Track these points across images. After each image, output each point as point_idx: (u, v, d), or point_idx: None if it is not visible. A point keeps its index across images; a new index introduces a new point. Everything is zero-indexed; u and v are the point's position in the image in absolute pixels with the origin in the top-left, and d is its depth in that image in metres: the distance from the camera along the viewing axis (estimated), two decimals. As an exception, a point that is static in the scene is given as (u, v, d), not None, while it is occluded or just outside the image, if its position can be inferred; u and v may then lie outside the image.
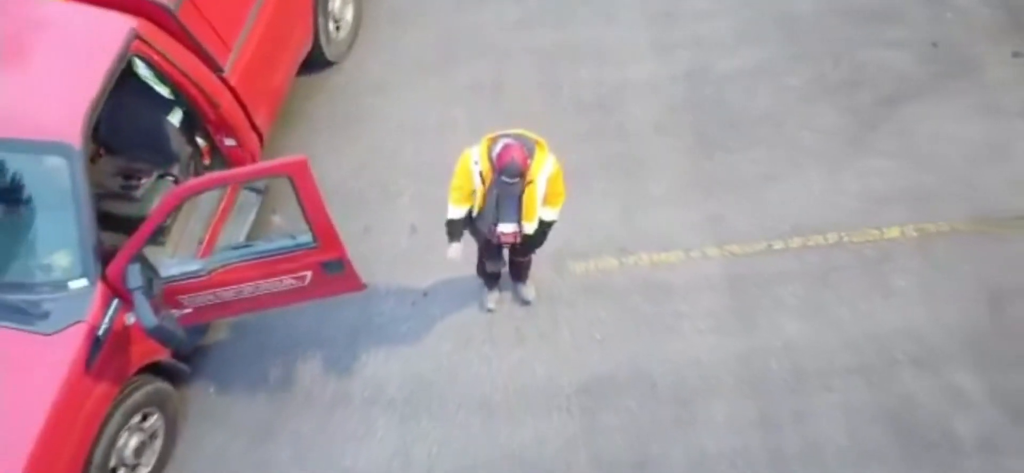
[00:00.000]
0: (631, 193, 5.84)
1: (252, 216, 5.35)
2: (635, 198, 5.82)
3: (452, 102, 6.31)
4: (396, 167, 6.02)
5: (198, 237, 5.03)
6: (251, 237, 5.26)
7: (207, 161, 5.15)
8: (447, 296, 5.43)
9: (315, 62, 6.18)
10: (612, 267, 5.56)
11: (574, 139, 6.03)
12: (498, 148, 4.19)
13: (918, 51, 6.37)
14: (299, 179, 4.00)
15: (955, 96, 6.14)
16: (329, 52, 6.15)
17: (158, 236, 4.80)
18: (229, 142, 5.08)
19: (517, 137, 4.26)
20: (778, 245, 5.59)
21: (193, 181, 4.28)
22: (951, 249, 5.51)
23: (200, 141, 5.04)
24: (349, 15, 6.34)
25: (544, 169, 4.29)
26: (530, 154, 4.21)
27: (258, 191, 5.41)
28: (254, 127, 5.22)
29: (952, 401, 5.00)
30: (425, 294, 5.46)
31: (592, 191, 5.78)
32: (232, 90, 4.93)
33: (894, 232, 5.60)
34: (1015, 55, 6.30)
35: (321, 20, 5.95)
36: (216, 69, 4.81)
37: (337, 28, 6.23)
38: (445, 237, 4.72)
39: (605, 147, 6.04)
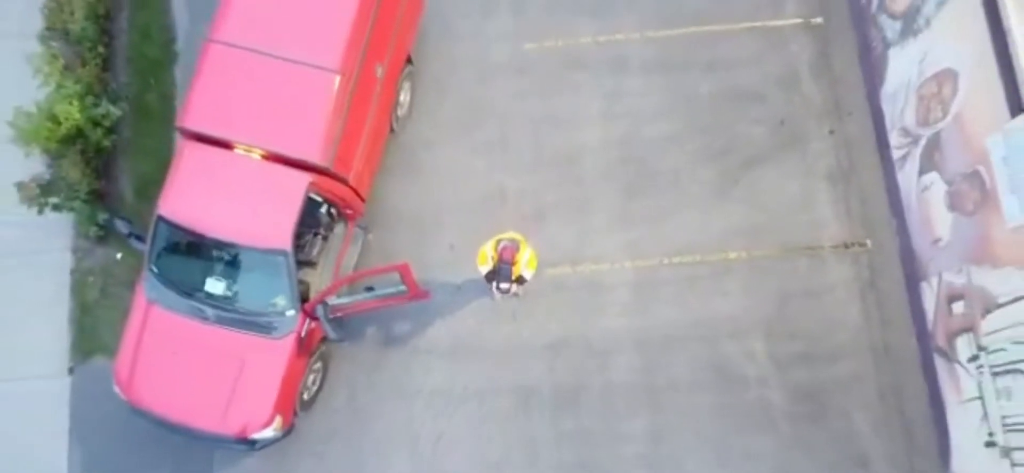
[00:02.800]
0: (582, 223, 9.68)
1: (360, 244, 9.28)
2: (584, 227, 9.67)
3: (475, 155, 9.96)
4: (440, 202, 9.80)
5: (331, 262, 8.97)
6: (361, 255, 9.24)
7: (336, 219, 8.99)
8: (472, 290, 9.42)
9: (385, 130, 9.79)
10: (568, 272, 9.53)
11: (550, 184, 9.81)
12: (500, 247, 8.08)
13: (771, 127, 9.91)
14: (403, 272, 7.94)
15: (787, 161, 9.77)
16: (395, 126, 9.73)
17: (311, 263, 8.79)
18: (348, 211, 8.91)
19: (511, 240, 8.15)
20: (665, 261, 9.52)
21: (350, 275, 8.28)
22: (765, 267, 9.45)
23: (334, 212, 8.85)
24: (407, 98, 9.83)
25: (524, 257, 8.21)
26: (517, 250, 8.12)
27: (363, 228, 9.30)
28: (361, 198, 9.03)
29: (748, 358, 9.18)
30: (459, 288, 9.48)
31: (559, 221, 9.63)
32: (353, 189, 8.70)
33: (733, 255, 9.51)
34: (831, 132, 9.86)
35: (394, 111, 9.51)
36: (344, 182, 8.56)
37: (400, 108, 9.76)
38: (474, 256, 8.65)
39: (569, 190, 9.79)
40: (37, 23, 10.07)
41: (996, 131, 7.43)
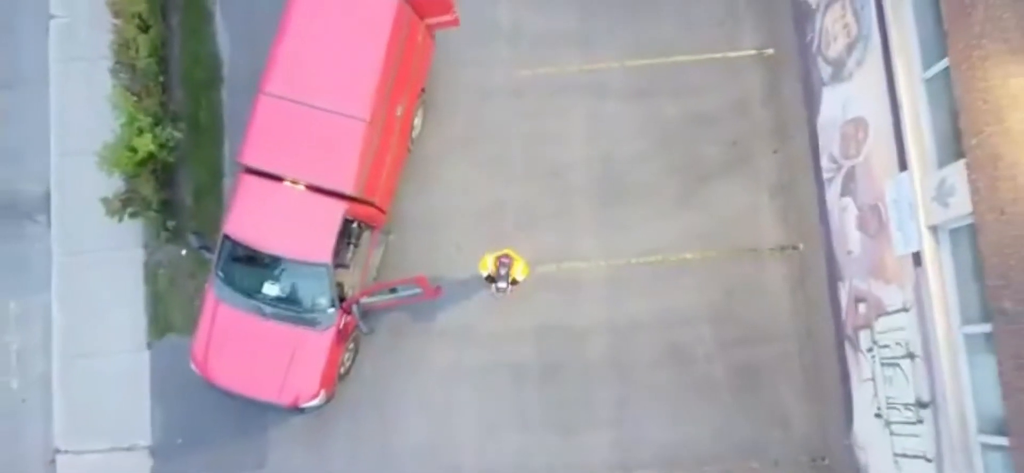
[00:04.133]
0: (565, 228, 11.68)
1: (384, 246, 11.33)
2: (566, 231, 11.67)
3: (477, 168, 11.87)
4: (446, 208, 11.76)
5: (361, 263, 11.03)
6: (384, 255, 11.31)
7: (363, 229, 11.00)
8: (474, 285, 11.46)
9: (402, 148, 11.70)
10: (554, 269, 11.59)
11: (540, 194, 11.78)
12: (499, 260, 10.14)
13: (724, 147, 11.79)
14: (420, 282, 10.02)
15: (737, 177, 11.70)
16: (411, 146, 11.63)
17: (345, 266, 10.85)
18: (373, 223, 10.93)
19: (507, 255, 10.20)
20: (634, 260, 11.57)
21: (380, 282, 10.34)
22: (715, 265, 11.51)
23: (361, 224, 10.86)
24: (420, 121, 11.70)
25: (518, 267, 10.28)
26: (512, 262, 10.17)
27: (385, 233, 11.33)
28: (384, 212, 11.02)
29: (696, 339, 11.34)
30: (464, 283, 11.54)
31: (547, 226, 11.63)
32: (377, 207, 10.69)
33: (689, 255, 11.55)
34: (775, 152, 11.75)
35: (410, 135, 11.40)
36: (370, 204, 10.53)
37: (415, 130, 11.63)
38: (477, 256, 10.72)
39: (554, 200, 11.76)
40: (102, 45, 11.85)
41: (890, 178, 9.36)
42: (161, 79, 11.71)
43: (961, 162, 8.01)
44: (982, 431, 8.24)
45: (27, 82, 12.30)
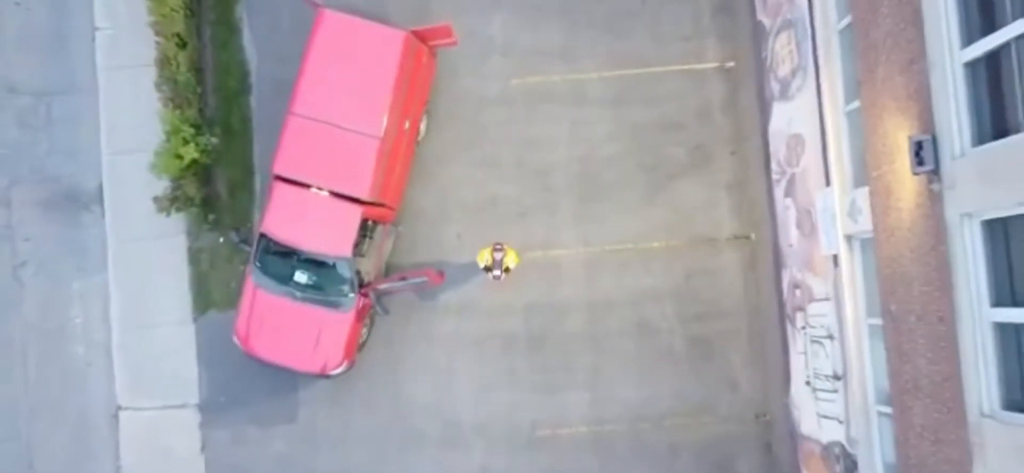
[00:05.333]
0: (550, 222, 13.55)
1: (394, 236, 13.24)
2: (551, 224, 13.55)
3: (474, 170, 13.68)
4: (448, 203, 13.62)
5: (375, 251, 12.94)
6: (394, 243, 13.23)
7: (377, 224, 12.89)
8: (472, 269, 13.35)
9: (408, 151, 13.49)
10: (540, 255, 13.51)
11: (528, 191, 13.62)
12: (495, 249, 12.07)
13: (689, 149, 13.57)
14: (426, 272, 11.95)
15: (699, 176, 13.53)
16: (416, 149, 13.42)
17: (362, 254, 12.77)
18: (386, 219, 12.81)
19: (501, 245, 12.12)
20: (608, 248, 13.48)
21: (394, 275, 12.31)
22: (677, 252, 13.43)
23: (377, 223, 12.73)
24: (424, 127, 13.46)
25: (510, 257, 12.22)
26: (505, 254, 12.10)
27: (395, 225, 13.22)
28: (394, 209, 12.89)
29: (660, 315, 13.35)
30: (464, 267, 13.47)
31: (535, 218, 13.50)
32: (389, 206, 12.55)
33: (656, 244, 13.46)
34: (732, 153, 13.54)
35: (416, 140, 13.19)
36: (383, 205, 12.38)
37: (420, 135, 13.40)
38: (476, 243, 12.65)
39: (540, 197, 13.60)
40: (143, 53, 13.50)
41: (819, 190, 11.20)
42: (198, 90, 13.41)
43: (866, 188, 9.85)
44: (878, 402, 10.29)
45: (79, 88, 14.00)
